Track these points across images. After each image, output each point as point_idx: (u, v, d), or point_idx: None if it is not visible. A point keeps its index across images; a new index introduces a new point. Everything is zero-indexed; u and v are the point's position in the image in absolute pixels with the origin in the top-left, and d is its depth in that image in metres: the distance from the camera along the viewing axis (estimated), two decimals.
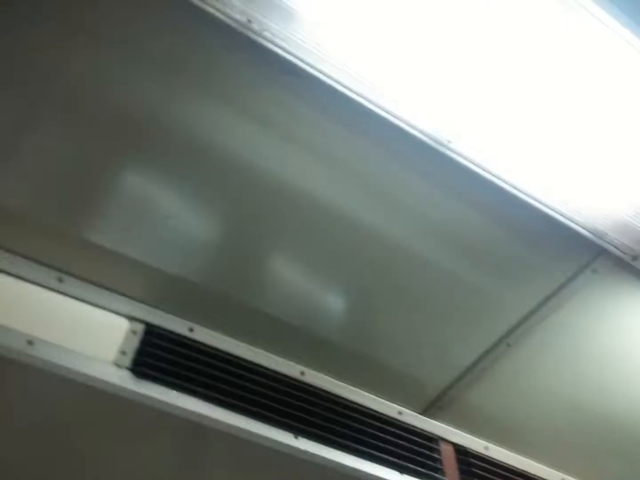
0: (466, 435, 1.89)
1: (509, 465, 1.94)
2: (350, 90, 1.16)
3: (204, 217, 1.39)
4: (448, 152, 1.26)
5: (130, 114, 1.23)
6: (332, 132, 1.25)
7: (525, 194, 1.34)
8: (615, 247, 1.38)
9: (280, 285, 1.52)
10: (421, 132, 1.23)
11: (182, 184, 1.35)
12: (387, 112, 1.21)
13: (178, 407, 1.43)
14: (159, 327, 1.54)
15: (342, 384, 1.69)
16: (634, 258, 1.40)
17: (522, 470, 1.96)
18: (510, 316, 1.64)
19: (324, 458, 1.51)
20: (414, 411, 1.80)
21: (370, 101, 1.20)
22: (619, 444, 1.97)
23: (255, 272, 1.50)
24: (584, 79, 1.17)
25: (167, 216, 1.39)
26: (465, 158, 1.27)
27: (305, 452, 1.47)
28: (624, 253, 1.40)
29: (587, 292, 1.58)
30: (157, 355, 1.47)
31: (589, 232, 1.36)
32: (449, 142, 1.24)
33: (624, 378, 1.79)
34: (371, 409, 1.71)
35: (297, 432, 1.49)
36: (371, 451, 1.61)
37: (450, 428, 1.86)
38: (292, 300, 1.56)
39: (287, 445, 1.45)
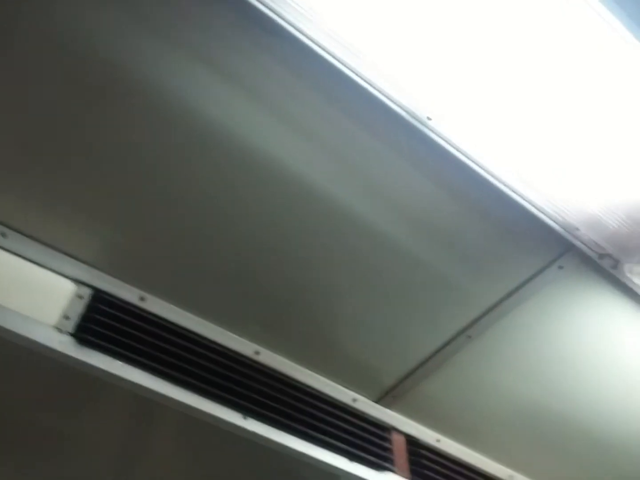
0: (419, 426, 1.86)
1: (459, 459, 1.92)
2: (329, 53, 1.10)
3: (162, 179, 1.31)
4: (426, 131, 1.21)
5: (93, 66, 1.14)
6: (307, 98, 1.18)
7: (500, 182, 1.30)
8: (583, 243, 1.36)
9: (239, 259, 1.45)
10: (400, 106, 1.18)
11: (141, 142, 1.26)
12: (366, 81, 1.15)
13: (122, 379, 1.36)
14: (107, 294, 1.45)
15: (297, 366, 1.63)
16: (601, 256, 1.39)
17: (471, 464, 1.95)
18: (473, 307, 1.61)
19: (272, 441, 1.46)
20: (369, 399, 1.76)
21: (350, 68, 1.13)
22: (569, 443, 1.97)
23: (214, 244, 1.42)
24: (570, 73, 1.13)
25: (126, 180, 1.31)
26: (444, 139, 1.22)
27: (253, 434, 1.41)
28: (592, 250, 1.38)
29: (552, 289, 1.56)
30: (103, 323, 1.38)
31: (560, 226, 1.34)
32: (429, 119, 1.19)
33: (580, 379, 1.78)
34: (325, 394, 1.67)
35: (246, 412, 1.43)
36: (322, 437, 1.57)
37: (403, 418, 1.83)
38: (251, 277, 1.49)
39: (234, 425, 1.39)
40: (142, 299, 1.48)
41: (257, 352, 1.56)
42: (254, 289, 1.51)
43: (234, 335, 1.54)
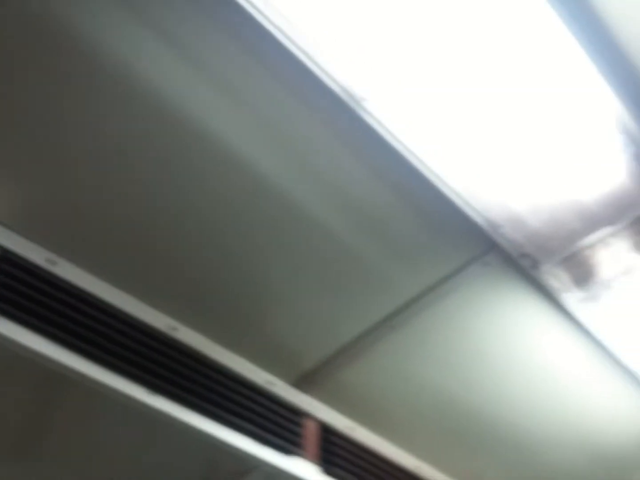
0: (334, 413, 1.85)
1: (372, 447, 1.93)
2: (265, 17, 1.04)
3: (73, 135, 1.22)
4: (361, 112, 1.18)
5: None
6: (239, 61, 1.12)
7: (431, 171, 1.29)
8: (506, 241, 1.38)
9: (156, 228, 1.38)
10: (336, 82, 1.14)
11: (52, 93, 1.16)
12: (304, 53, 1.10)
13: (23, 346, 1.27)
14: (14, 254, 1.35)
15: (212, 344, 1.58)
16: (522, 256, 1.41)
17: (383, 454, 1.96)
18: (397, 297, 1.60)
19: (178, 419, 1.40)
20: (284, 382, 1.73)
21: (288, 38, 1.09)
22: (481, 438, 2.02)
23: (131, 209, 1.35)
24: (502, 67, 1.12)
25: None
26: (377, 121, 1.19)
27: (158, 411, 1.35)
28: (514, 249, 1.40)
29: (475, 285, 1.58)
30: (6, 284, 1.29)
31: (485, 221, 1.34)
32: (363, 100, 1.16)
33: (496, 375, 1.82)
34: (239, 375, 1.62)
35: (152, 388, 1.37)
36: (231, 418, 1.52)
37: (318, 404, 1.82)
38: (170, 248, 1.43)
39: (138, 401, 1.33)
40: (51, 262, 1.39)
41: (171, 327, 1.50)
42: (173, 262, 1.45)
43: (148, 308, 1.47)
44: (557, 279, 1.42)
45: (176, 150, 1.25)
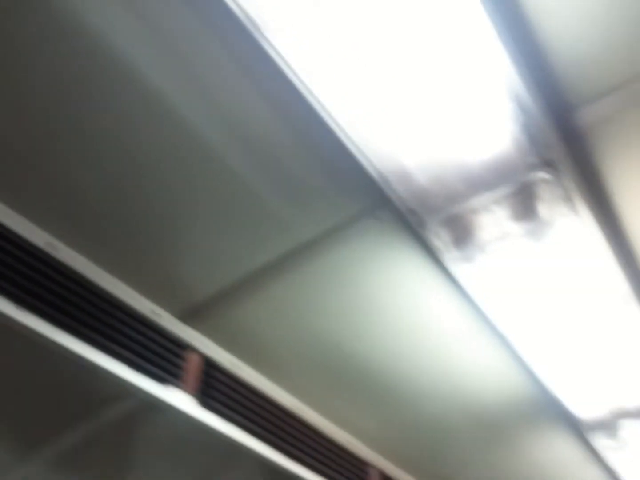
0: (219, 349, 1.87)
1: (254, 386, 1.97)
2: None
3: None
4: (262, 42, 1.15)
5: None
6: None
7: (332, 117, 1.29)
8: (396, 196, 1.41)
9: (41, 135, 1.30)
10: (241, 8, 1.10)
11: None
12: None
13: None
14: None
15: (95, 267, 1.54)
16: (410, 212, 1.44)
17: (265, 393, 2.01)
18: (290, 240, 1.61)
19: (48, 338, 1.36)
20: (170, 314, 1.73)
21: None
22: (362, 386, 2.11)
23: (11, 110, 1.26)
24: (404, 20, 1.12)
25: None
26: (280, 55, 1.17)
27: (25, 326, 1.31)
28: (403, 205, 1.43)
29: (367, 238, 1.61)
30: None
31: (377, 174, 1.36)
32: (266, 31, 1.12)
33: (379, 327, 1.89)
34: (122, 301, 1.60)
35: (21, 302, 1.32)
36: (109, 343, 1.51)
37: (203, 339, 1.83)
38: (56, 159, 1.35)
39: (4, 315, 1.28)
40: None
41: (50, 245, 1.44)
42: (57, 174, 1.37)
43: (25, 221, 1.40)
44: (439, 238, 1.47)
45: (79, 69, 1.17)
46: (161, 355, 1.66)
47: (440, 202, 1.37)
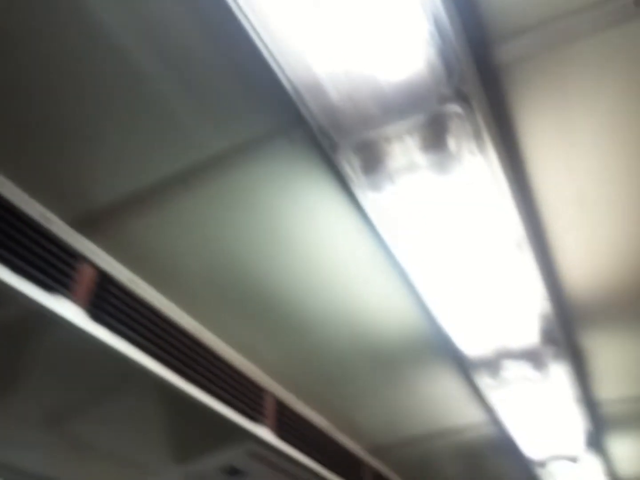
0: (116, 263, 1.80)
1: (152, 304, 1.92)
2: None
3: None
4: None
5: None
6: None
7: (254, 29, 1.22)
8: (311, 114, 1.37)
9: None
10: None
11: None
12: None
13: None
14: None
15: None
16: (323, 134, 1.41)
17: (163, 312, 1.96)
18: (198, 152, 1.54)
19: None
20: (62, 220, 1.63)
21: None
22: (261, 311, 2.10)
23: None
24: None
25: None
26: None
27: None
28: (317, 126, 1.40)
29: (278, 158, 1.57)
30: None
31: (291, 89, 1.31)
32: None
33: (284, 253, 1.87)
34: (9, 201, 1.48)
35: None
36: None
37: (100, 251, 1.74)
38: None
39: None
40: None
41: None
42: None
43: None
44: (350, 164, 1.46)
45: None
46: (50, 262, 1.57)
47: (354, 124, 1.34)
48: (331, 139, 1.41)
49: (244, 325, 2.16)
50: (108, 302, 1.75)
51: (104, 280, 1.76)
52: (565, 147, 1.59)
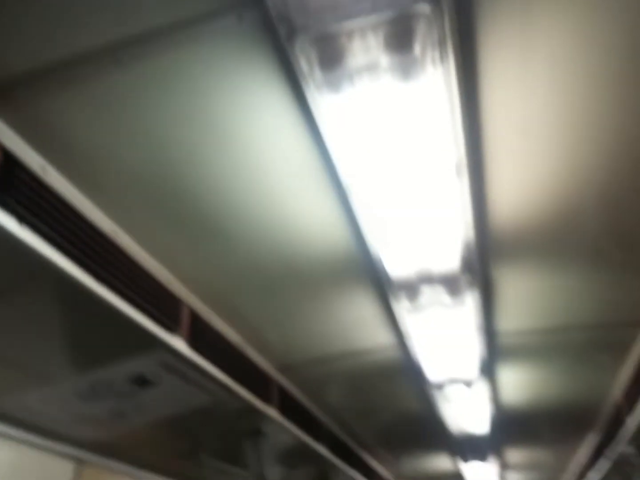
0: (22, 144, 1.58)
1: (64, 196, 1.73)
2: None
3: None
4: None
5: None
6: None
7: None
8: None
9: None
10: None
11: None
12: None
13: None
14: None
15: None
16: (281, 18, 1.27)
17: (76, 206, 1.77)
18: (129, 24, 1.35)
19: None
20: None
21: None
22: (183, 216, 1.97)
23: None
24: None
25: None
26: None
27: None
28: (276, 7, 1.26)
29: (223, 39, 1.41)
30: None
31: None
32: None
33: (214, 152, 1.73)
34: None
35: None
36: None
37: (6, 128, 1.52)
38: None
39: None
40: None
41: None
42: None
43: None
44: (306, 58, 1.34)
45: None
46: None
47: (318, 11, 1.22)
48: (290, 25, 1.28)
49: (163, 230, 2.03)
50: (14, 187, 1.55)
51: (10, 162, 1.55)
52: (523, 72, 1.55)
